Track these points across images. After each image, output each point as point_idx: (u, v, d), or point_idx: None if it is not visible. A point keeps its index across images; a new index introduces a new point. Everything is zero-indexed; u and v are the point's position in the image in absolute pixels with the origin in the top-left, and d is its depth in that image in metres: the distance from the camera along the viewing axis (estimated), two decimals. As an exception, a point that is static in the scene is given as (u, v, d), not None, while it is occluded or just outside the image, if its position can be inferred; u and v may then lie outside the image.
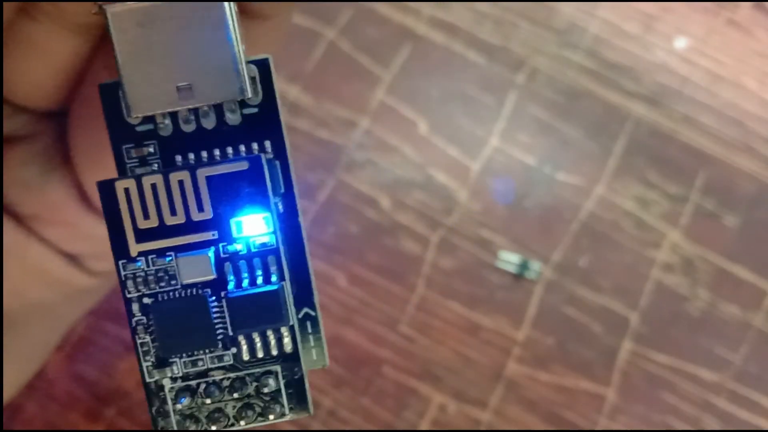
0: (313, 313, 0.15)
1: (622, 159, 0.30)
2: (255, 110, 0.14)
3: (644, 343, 0.28)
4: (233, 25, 0.13)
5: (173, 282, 0.14)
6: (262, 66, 0.14)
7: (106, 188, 0.13)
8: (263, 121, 0.14)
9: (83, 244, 0.20)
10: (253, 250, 0.14)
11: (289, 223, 0.14)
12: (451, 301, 0.29)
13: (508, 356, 0.28)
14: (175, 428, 0.14)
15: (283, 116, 0.14)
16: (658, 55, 0.31)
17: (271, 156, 0.14)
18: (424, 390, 0.28)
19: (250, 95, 0.14)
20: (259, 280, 0.14)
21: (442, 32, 0.31)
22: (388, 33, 0.31)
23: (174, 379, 0.14)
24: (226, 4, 0.13)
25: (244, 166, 0.13)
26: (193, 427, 0.14)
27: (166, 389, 0.14)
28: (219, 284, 0.14)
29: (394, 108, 0.30)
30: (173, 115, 0.14)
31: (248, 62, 0.14)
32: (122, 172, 0.14)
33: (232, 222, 0.14)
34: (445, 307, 0.29)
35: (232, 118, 0.14)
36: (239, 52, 0.13)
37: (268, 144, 0.14)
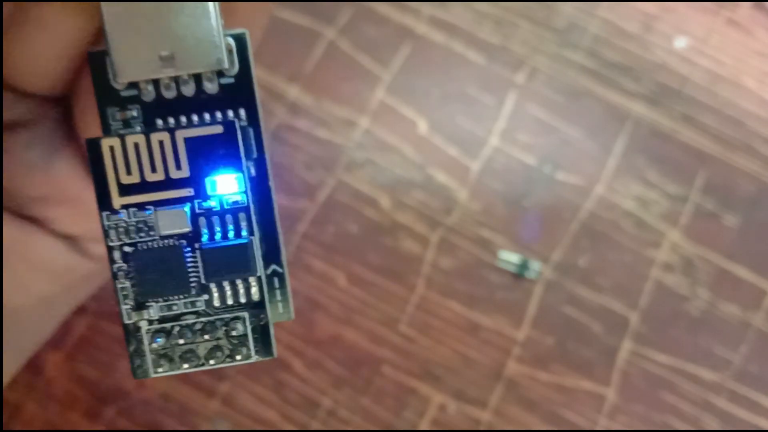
0: (280, 270, 0.16)
1: (622, 159, 0.30)
2: (231, 80, 0.15)
3: (644, 342, 0.28)
4: (213, 2, 0.15)
5: (152, 233, 0.15)
6: (239, 40, 0.15)
7: (94, 145, 0.14)
8: (239, 91, 0.15)
9: (86, 223, 0.21)
10: (225, 207, 0.15)
11: (260, 186, 0.16)
12: (450, 301, 0.29)
13: (508, 356, 0.28)
14: (151, 365, 0.15)
15: (257, 87, 0.15)
16: (658, 55, 0.31)
17: (245, 123, 0.15)
18: (424, 390, 0.28)
19: (227, 66, 0.15)
20: (231, 234, 0.15)
21: (442, 32, 0.31)
22: (387, 33, 0.31)
23: (150, 322, 0.15)
24: None
25: (219, 129, 0.15)
26: (166, 365, 0.15)
27: (143, 330, 0.15)
28: (194, 236, 0.15)
29: (393, 108, 0.30)
30: (156, 82, 0.15)
31: (226, 35, 0.15)
32: (107, 133, 0.15)
33: (207, 180, 0.15)
34: (444, 306, 0.29)
35: (210, 86, 0.15)
36: (218, 25, 0.15)
37: (242, 112, 0.15)
